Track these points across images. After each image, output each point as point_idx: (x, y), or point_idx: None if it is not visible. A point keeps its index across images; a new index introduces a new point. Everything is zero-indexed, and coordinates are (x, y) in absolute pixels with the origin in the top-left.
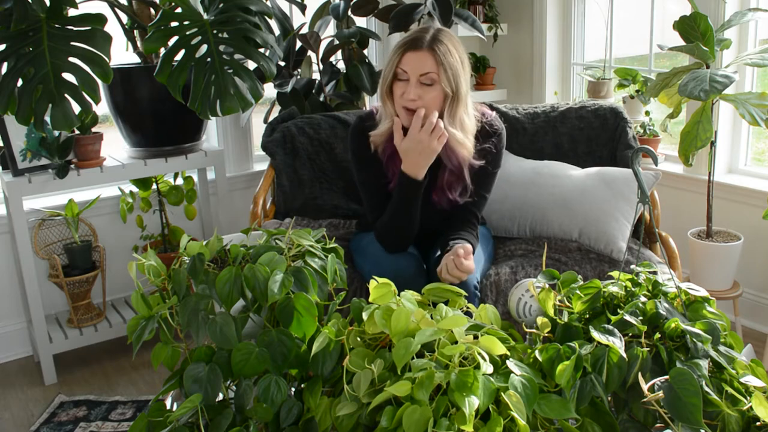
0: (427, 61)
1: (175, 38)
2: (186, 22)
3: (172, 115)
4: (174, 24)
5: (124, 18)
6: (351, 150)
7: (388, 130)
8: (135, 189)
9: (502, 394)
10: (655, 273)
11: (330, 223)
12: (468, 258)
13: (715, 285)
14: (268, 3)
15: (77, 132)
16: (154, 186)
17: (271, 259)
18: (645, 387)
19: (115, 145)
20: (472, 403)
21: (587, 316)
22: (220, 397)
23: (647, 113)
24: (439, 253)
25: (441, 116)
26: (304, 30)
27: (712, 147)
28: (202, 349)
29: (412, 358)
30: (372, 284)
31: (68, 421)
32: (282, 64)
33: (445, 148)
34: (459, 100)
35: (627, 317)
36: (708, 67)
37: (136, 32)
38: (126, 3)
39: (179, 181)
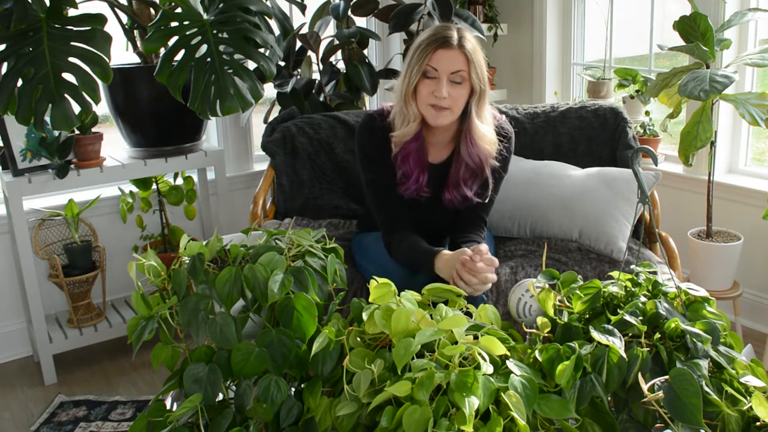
0: (459, 59)
1: (175, 38)
2: (186, 22)
3: (172, 115)
4: (174, 24)
5: (124, 18)
6: (360, 147)
7: (412, 132)
8: (135, 189)
9: (502, 394)
10: (655, 273)
11: (330, 223)
12: (483, 257)
13: (715, 285)
14: (268, 3)
15: (77, 132)
16: (154, 186)
17: (271, 259)
18: (645, 387)
19: (115, 145)
20: (472, 403)
21: (587, 316)
22: (220, 397)
23: (647, 113)
24: None
25: (466, 111)
26: (304, 30)
27: (712, 147)
28: (202, 349)
29: (412, 358)
30: (372, 284)
31: (68, 421)
32: (282, 64)
33: (468, 142)
34: (484, 96)
35: (627, 317)
36: (708, 67)
37: (136, 32)
38: (126, 3)
39: (179, 181)
